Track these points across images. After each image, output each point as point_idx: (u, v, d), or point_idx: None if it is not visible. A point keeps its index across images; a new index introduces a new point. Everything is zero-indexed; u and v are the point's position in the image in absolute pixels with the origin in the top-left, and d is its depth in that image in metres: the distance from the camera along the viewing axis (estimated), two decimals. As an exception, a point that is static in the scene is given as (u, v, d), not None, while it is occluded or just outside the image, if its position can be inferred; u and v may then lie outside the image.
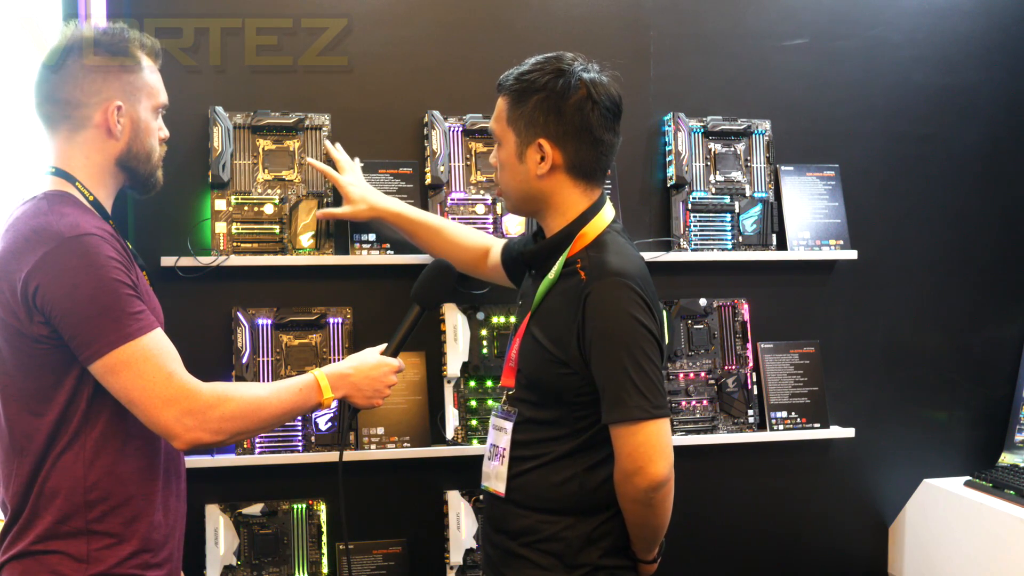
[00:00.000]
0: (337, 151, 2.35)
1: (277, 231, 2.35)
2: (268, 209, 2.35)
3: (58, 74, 1.66)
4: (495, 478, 1.89)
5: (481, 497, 2.42)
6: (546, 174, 1.81)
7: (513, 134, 1.83)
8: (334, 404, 1.91)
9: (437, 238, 2.27)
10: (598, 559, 1.81)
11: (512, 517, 1.86)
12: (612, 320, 1.72)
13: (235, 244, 2.33)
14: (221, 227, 2.32)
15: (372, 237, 2.39)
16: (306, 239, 2.36)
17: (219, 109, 2.31)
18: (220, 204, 2.33)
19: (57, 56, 1.67)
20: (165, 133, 1.80)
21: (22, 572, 1.59)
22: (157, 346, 1.58)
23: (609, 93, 1.82)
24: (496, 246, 2.24)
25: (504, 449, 1.88)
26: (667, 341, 2.56)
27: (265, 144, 2.37)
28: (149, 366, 1.55)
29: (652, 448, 1.69)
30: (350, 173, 2.32)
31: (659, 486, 1.71)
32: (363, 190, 2.29)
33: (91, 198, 1.68)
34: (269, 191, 2.36)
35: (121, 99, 1.68)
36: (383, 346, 1.96)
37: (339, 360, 2.02)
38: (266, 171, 2.37)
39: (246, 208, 2.34)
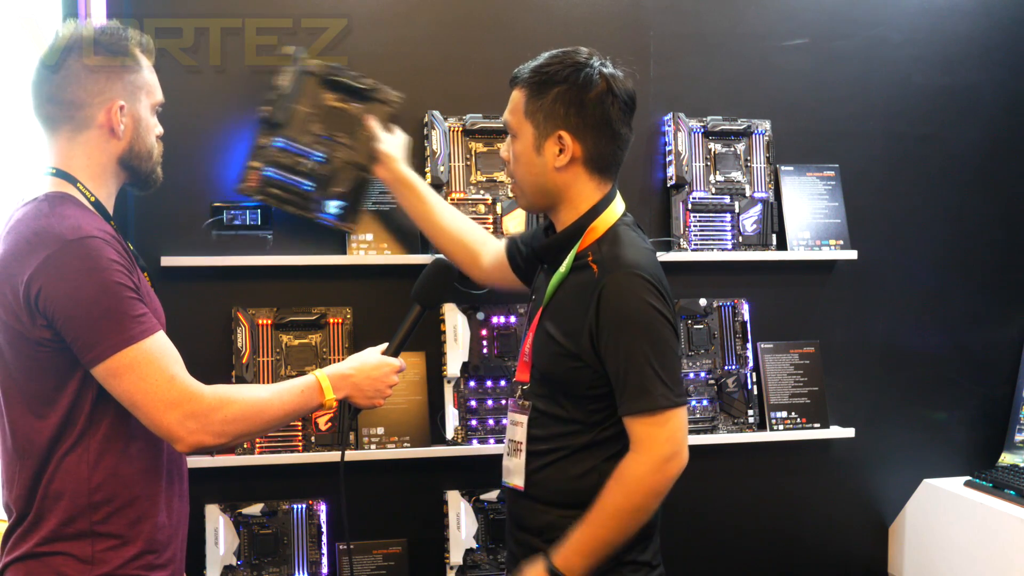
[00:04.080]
0: (394, 129, 2.31)
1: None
2: (268, 209, 2.35)
3: (59, 74, 1.65)
4: (515, 473, 1.89)
5: (495, 496, 2.43)
6: (564, 166, 1.81)
7: (531, 126, 1.82)
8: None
9: (430, 217, 2.22)
10: (620, 554, 1.79)
11: (533, 514, 1.86)
12: (630, 310, 1.72)
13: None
14: (221, 227, 2.33)
15: (370, 237, 2.39)
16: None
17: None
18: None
19: (57, 56, 1.65)
20: (160, 130, 1.79)
21: (26, 574, 1.59)
22: (160, 349, 1.57)
23: (626, 88, 1.83)
24: (492, 252, 2.18)
25: (521, 443, 1.87)
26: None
27: (265, 144, 2.37)
28: (152, 369, 1.55)
29: (681, 436, 1.75)
30: (393, 139, 2.27)
31: (681, 471, 1.76)
32: (394, 149, 2.25)
33: (92, 199, 1.67)
34: (269, 191, 2.36)
35: (124, 99, 1.67)
36: (384, 346, 1.95)
37: (339, 360, 2.01)
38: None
39: (246, 208, 2.34)
